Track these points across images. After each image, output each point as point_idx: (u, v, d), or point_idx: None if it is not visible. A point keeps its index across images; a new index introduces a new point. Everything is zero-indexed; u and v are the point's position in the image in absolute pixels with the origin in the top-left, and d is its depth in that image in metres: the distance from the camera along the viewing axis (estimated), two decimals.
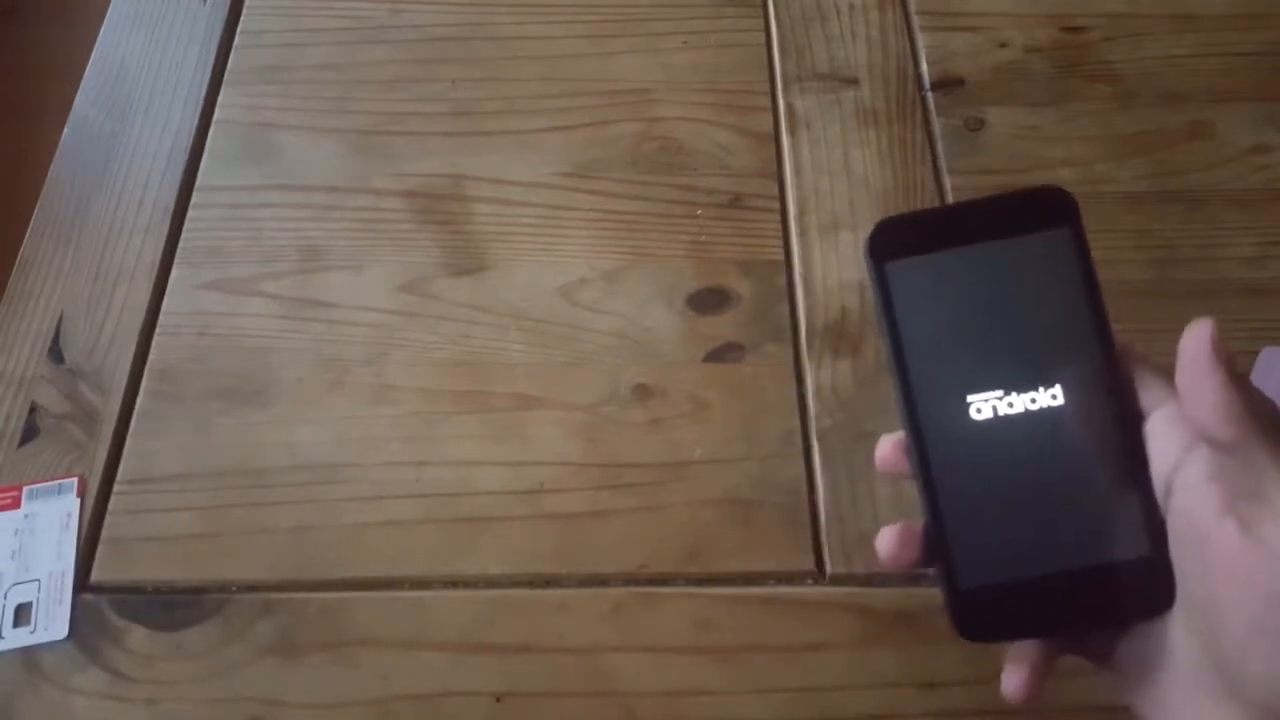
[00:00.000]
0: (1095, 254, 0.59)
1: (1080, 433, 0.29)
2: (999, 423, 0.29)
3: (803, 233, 0.57)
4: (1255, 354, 0.51)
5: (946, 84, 0.62)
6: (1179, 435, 0.27)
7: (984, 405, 0.29)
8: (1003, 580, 0.29)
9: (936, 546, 0.29)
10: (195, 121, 0.61)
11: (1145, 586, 0.28)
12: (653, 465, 0.50)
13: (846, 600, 0.46)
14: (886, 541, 0.30)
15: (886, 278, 0.30)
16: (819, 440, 0.50)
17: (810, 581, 0.47)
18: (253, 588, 0.47)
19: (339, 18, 0.65)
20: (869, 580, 0.47)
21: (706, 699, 0.44)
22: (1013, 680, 0.29)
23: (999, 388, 0.29)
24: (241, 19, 0.66)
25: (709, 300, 0.55)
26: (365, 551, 0.48)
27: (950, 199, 0.58)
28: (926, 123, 0.61)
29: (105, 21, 0.66)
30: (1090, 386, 0.29)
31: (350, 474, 0.50)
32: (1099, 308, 0.29)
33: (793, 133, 0.61)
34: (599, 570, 0.47)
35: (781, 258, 0.56)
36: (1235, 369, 0.25)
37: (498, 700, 0.44)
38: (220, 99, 0.62)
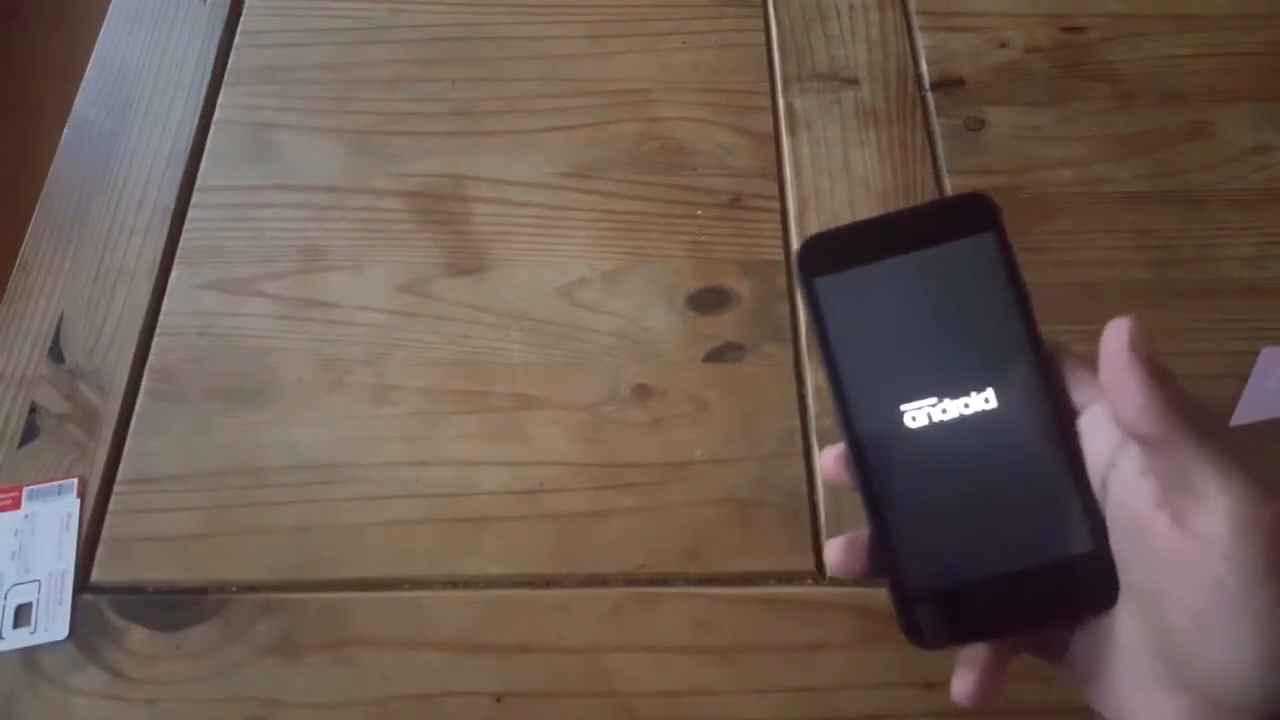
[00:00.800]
0: (1095, 254, 0.59)
1: (1015, 434, 0.29)
2: (935, 430, 0.29)
3: (803, 233, 0.57)
4: (1255, 354, 0.51)
5: (946, 84, 0.62)
6: (1113, 431, 0.27)
7: (918, 413, 0.30)
8: (949, 585, 0.29)
9: (881, 555, 0.30)
10: (195, 121, 0.61)
11: (1090, 582, 0.28)
12: (653, 465, 0.50)
13: (846, 600, 0.46)
14: (834, 552, 0.30)
15: (817, 293, 0.31)
16: (819, 440, 0.50)
17: (810, 581, 0.47)
18: (253, 588, 0.47)
19: (339, 18, 0.65)
20: (869, 580, 0.47)
21: (706, 699, 0.44)
22: (963, 685, 0.29)
23: (932, 395, 0.30)
24: (241, 19, 0.66)
25: (709, 300, 0.55)
26: (365, 551, 0.48)
27: None
28: (926, 123, 0.61)
29: (105, 21, 0.66)
30: (1022, 388, 0.29)
31: (350, 474, 0.50)
32: (1027, 310, 0.30)
33: (793, 133, 0.61)
34: (599, 570, 0.47)
35: (781, 258, 0.56)
36: (1158, 364, 0.26)
37: (498, 700, 0.44)
38: (220, 99, 0.62)
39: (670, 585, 0.47)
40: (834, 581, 0.47)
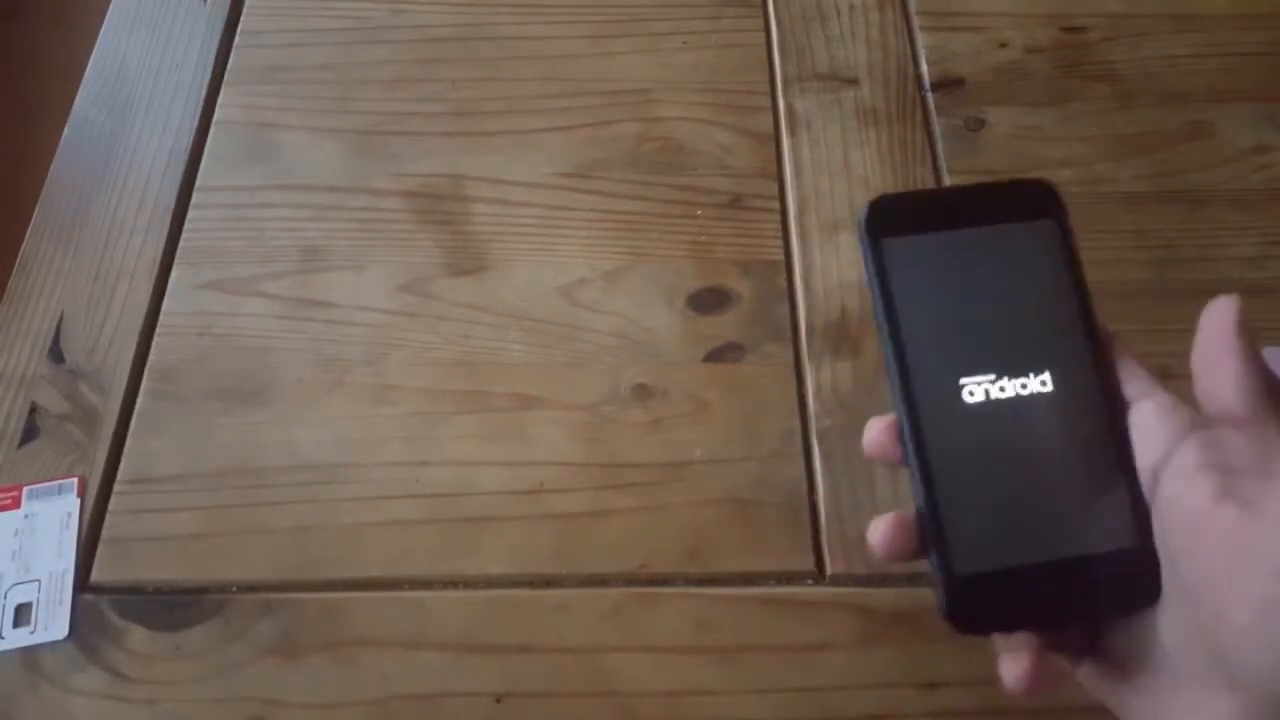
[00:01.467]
0: (1095, 254, 0.59)
1: (1070, 421, 0.29)
2: (991, 407, 0.29)
3: (803, 233, 0.57)
4: None
5: (946, 84, 0.62)
6: (1166, 426, 0.27)
7: (977, 389, 0.29)
8: (998, 568, 0.28)
9: (930, 533, 0.28)
10: (195, 121, 0.61)
11: (1133, 577, 0.28)
12: (653, 465, 0.50)
13: (846, 600, 0.46)
14: (880, 533, 0.29)
15: (882, 254, 0.30)
16: (819, 440, 0.50)
17: (810, 581, 0.47)
18: (253, 588, 0.47)
19: (339, 18, 0.65)
20: (869, 580, 0.47)
21: (706, 699, 0.44)
22: (1016, 670, 0.28)
23: (992, 371, 0.29)
24: (241, 19, 0.66)
25: (709, 300, 0.55)
26: (365, 551, 0.48)
27: None
28: (926, 123, 0.61)
29: (105, 21, 0.66)
30: (1079, 374, 0.29)
31: (350, 474, 0.50)
32: (1085, 297, 0.29)
33: (793, 133, 0.61)
34: (599, 570, 0.47)
35: (781, 258, 0.56)
36: (1255, 349, 0.25)
37: (498, 700, 0.44)
38: (220, 99, 0.62)
39: (670, 585, 0.47)
40: (834, 581, 0.47)
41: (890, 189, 0.58)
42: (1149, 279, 0.55)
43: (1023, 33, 0.65)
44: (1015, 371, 0.29)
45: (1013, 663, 0.28)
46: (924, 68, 0.63)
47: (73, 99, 0.63)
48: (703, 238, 0.57)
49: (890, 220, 0.30)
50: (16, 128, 1.30)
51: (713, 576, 0.47)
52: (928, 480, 0.29)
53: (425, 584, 0.47)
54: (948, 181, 0.58)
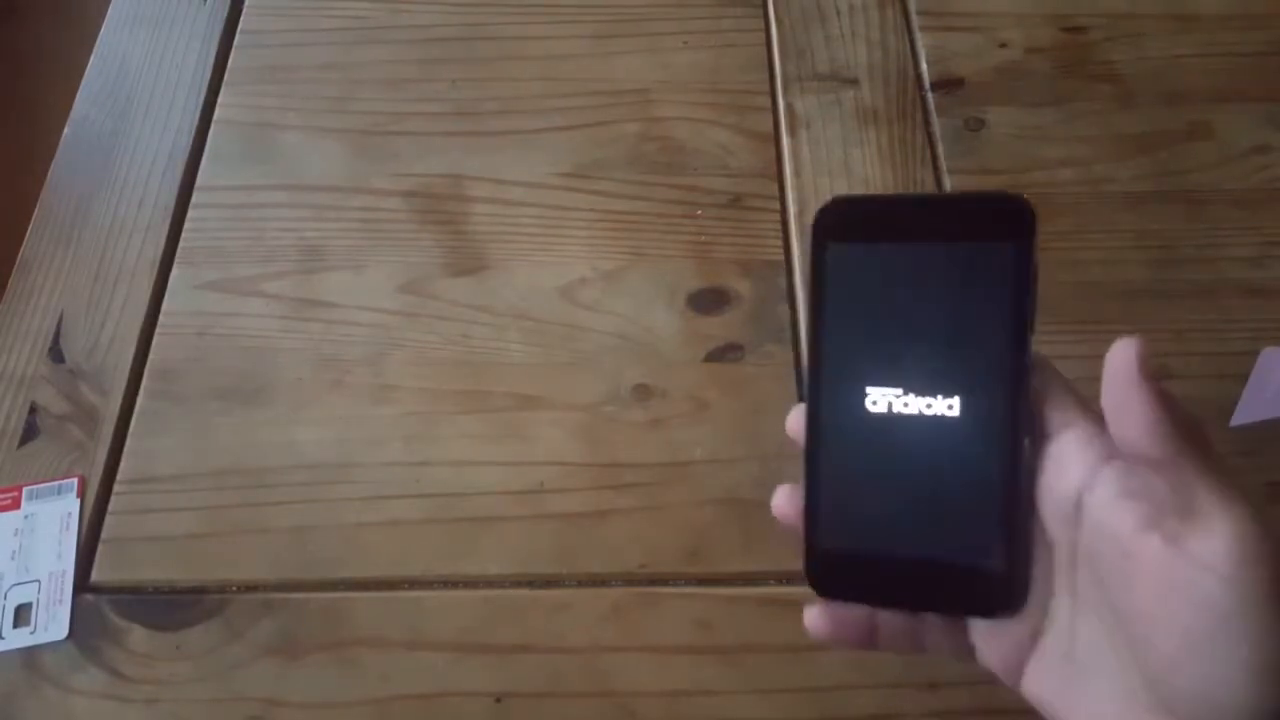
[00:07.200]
0: (1095, 254, 0.59)
1: (965, 445, 0.29)
2: (891, 419, 0.30)
3: (803, 233, 0.57)
4: (1255, 354, 0.51)
5: (946, 84, 0.62)
6: (1088, 454, 0.27)
7: (880, 399, 0.30)
8: (854, 549, 0.31)
9: (806, 506, 0.31)
10: (195, 121, 0.61)
11: (989, 588, 0.29)
12: (653, 465, 0.50)
13: None
14: (780, 499, 0.33)
15: (825, 256, 0.31)
16: None
17: None
18: (253, 588, 0.47)
19: (339, 18, 0.65)
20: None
21: (706, 699, 0.44)
22: (817, 619, 0.32)
23: (899, 386, 0.30)
24: (241, 19, 0.66)
25: (709, 300, 0.55)
26: (365, 551, 0.48)
27: None
28: (926, 123, 0.61)
29: (105, 21, 0.66)
30: (991, 402, 0.29)
31: (350, 474, 0.50)
32: (1025, 325, 0.28)
33: (793, 133, 0.61)
34: (599, 570, 0.47)
35: (781, 258, 0.56)
36: (1163, 386, 0.26)
37: (497, 700, 0.44)
38: (220, 99, 0.62)
39: (670, 585, 0.47)
40: None
41: (890, 189, 0.58)
42: (1149, 279, 0.55)
43: (1023, 33, 0.65)
44: (923, 390, 0.29)
45: (817, 613, 0.32)
46: (924, 68, 0.63)
47: (73, 99, 0.63)
48: (703, 238, 0.57)
49: (844, 224, 0.31)
50: (16, 128, 1.30)
51: (713, 576, 0.47)
52: (812, 463, 0.31)
53: (425, 584, 0.47)
54: (947, 181, 0.58)
